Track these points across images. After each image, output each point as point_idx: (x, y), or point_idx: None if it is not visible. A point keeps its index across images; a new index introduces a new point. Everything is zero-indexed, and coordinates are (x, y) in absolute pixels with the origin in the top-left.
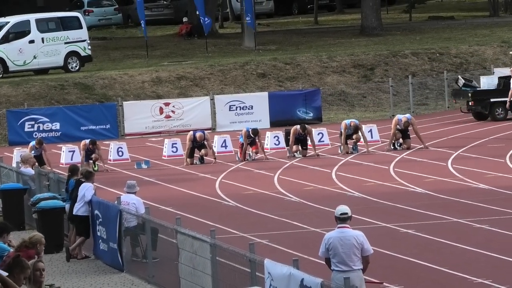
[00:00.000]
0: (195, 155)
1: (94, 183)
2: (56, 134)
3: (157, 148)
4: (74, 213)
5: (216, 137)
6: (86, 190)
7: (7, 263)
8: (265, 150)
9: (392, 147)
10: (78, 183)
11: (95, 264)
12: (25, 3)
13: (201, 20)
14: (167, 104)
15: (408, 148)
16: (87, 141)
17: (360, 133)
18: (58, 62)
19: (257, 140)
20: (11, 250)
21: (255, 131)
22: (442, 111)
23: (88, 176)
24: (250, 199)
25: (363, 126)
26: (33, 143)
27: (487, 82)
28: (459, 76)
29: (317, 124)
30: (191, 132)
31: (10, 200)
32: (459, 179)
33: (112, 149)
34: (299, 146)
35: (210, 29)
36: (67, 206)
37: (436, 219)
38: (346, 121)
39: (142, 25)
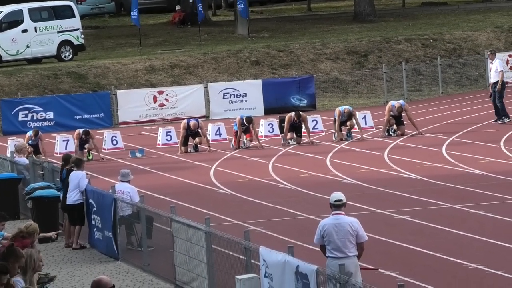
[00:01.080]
0: (189, 143)
1: (85, 171)
2: (50, 123)
3: (151, 137)
4: (68, 203)
5: (210, 125)
6: (80, 179)
7: (1, 252)
8: (259, 138)
9: (386, 134)
10: (69, 172)
11: (90, 253)
12: None
13: (198, 9)
14: (160, 93)
15: (402, 134)
16: (81, 131)
17: (354, 120)
18: (51, 51)
19: (251, 128)
20: (5, 234)
21: (249, 119)
22: (435, 97)
23: (79, 164)
24: (244, 187)
25: (357, 112)
26: (30, 133)
27: None
28: None
29: (311, 111)
30: (185, 120)
31: (4, 190)
32: (454, 164)
33: (106, 138)
34: (294, 134)
35: (203, 18)
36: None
37: (430, 205)
38: (340, 108)
39: (133, 15)
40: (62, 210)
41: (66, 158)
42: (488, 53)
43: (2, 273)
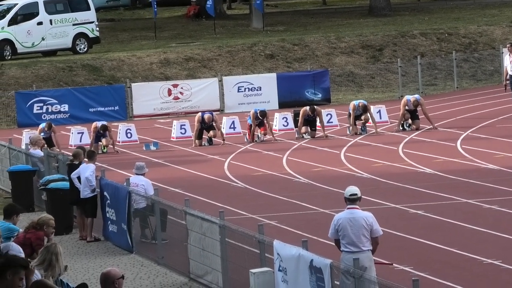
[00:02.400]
0: (203, 136)
1: (96, 163)
2: (65, 115)
3: (165, 130)
4: (81, 196)
5: (224, 119)
6: (87, 172)
7: None
8: (273, 132)
9: (401, 128)
10: (70, 166)
11: (104, 246)
12: None
13: (207, 3)
14: (175, 86)
15: (417, 129)
16: (99, 125)
17: (368, 114)
18: (66, 44)
19: (265, 122)
20: (20, 230)
21: (263, 113)
22: (451, 91)
23: (91, 156)
24: (258, 181)
25: (372, 107)
26: (42, 125)
27: None
28: None
29: (326, 105)
30: (200, 114)
31: (19, 182)
32: (468, 159)
33: (121, 130)
34: (308, 127)
35: (214, 10)
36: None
37: (445, 199)
38: (355, 102)
39: (154, 7)
40: (70, 204)
41: (73, 153)
42: (508, 45)
43: (23, 267)
